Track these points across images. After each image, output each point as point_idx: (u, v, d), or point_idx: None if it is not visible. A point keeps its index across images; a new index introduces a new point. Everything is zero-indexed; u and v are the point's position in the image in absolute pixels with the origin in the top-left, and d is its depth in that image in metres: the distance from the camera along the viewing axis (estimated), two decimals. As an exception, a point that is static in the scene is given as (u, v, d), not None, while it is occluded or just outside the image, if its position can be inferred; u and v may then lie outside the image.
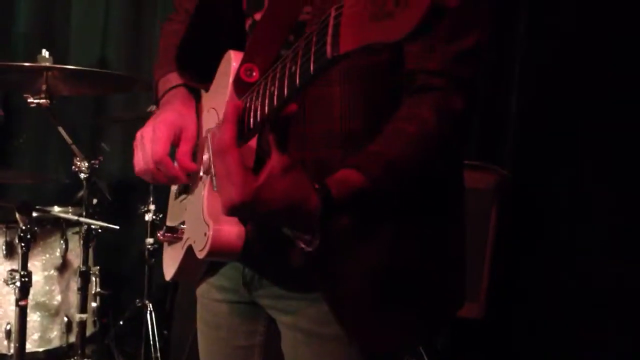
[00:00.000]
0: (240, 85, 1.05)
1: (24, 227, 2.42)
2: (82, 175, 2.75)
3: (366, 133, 1.08)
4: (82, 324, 2.78)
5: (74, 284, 2.89)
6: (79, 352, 2.78)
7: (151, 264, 3.06)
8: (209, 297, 1.39)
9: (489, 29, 1.10)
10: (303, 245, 1.00)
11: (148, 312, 3.02)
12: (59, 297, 2.90)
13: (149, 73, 3.42)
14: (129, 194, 3.55)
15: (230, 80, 1.14)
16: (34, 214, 2.52)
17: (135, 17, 3.75)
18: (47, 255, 2.88)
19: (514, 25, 3.03)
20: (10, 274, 2.46)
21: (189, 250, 1.24)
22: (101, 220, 2.82)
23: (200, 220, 1.17)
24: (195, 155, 1.29)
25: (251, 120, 0.98)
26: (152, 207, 3.04)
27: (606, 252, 2.79)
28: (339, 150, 1.13)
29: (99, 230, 2.86)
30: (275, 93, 0.90)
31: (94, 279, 2.96)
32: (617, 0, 2.79)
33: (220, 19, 1.28)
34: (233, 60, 1.17)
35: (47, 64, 2.64)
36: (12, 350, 2.56)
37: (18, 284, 2.43)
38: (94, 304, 2.97)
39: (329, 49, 0.75)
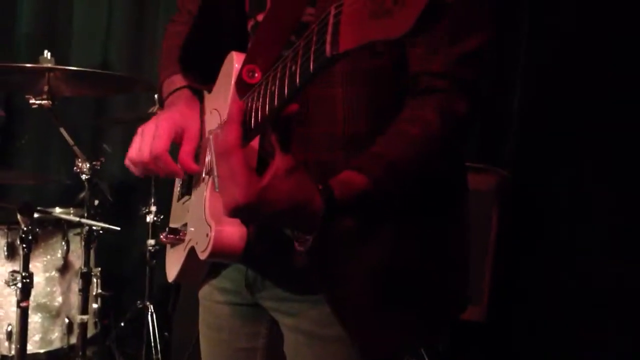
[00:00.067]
0: (242, 87, 1.05)
1: (25, 228, 2.42)
2: (84, 177, 2.75)
3: (369, 135, 1.08)
4: (83, 326, 2.78)
5: (75, 285, 2.90)
6: (80, 353, 2.78)
7: (152, 265, 3.06)
8: (211, 299, 1.39)
9: (492, 31, 1.10)
10: (297, 245, 1.01)
11: (149, 313, 3.02)
12: (60, 299, 2.90)
13: (150, 74, 3.46)
14: (131, 195, 3.55)
15: (233, 81, 1.14)
16: (36, 215, 2.51)
17: (137, 19, 3.75)
18: (49, 257, 2.88)
19: (515, 25, 3.03)
20: (12, 275, 2.46)
21: (191, 252, 1.24)
22: (102, 221, 2.82)
23: (202, 221, 1.17)
24: (198, 156, 1.29)
25: (252, 120, 0.98)
26: (153, 208, 3.04)
27: (606, 252, 2.79)
28: (341, 152, 1.13)
29: (100, 232, 2.86)
30: (276, 93, 0.90)
31: (95, 280, 2.96)
32: (617, 0, 2.79)
33: (223, 20, 1.29)
34: (235, 61, 1.17)
35: (49, 65, 2.65)
36: (13, 352, 2.56)
37: (19, 285, 2.43)
38: (95, 306, 2.97)
39: (328, 47, 0.75)
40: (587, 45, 2.82)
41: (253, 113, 0.97)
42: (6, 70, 2.77)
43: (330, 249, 1.07)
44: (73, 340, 2.89)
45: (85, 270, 2.78)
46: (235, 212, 0.98)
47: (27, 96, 2.66)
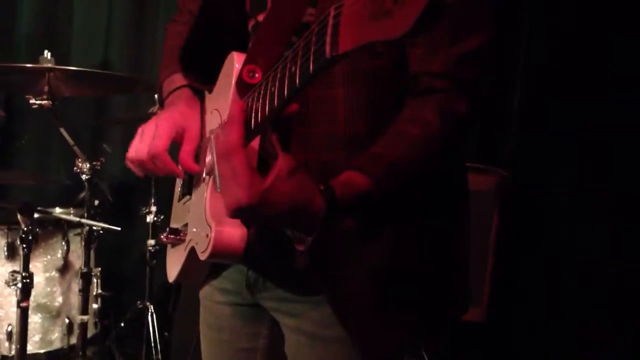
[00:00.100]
0: (243, 87, 1.05)
1: (25, 229, 2.42)
2: (84, 177, 2.75)
3: (370, 136, 1.08)
4: (84, 326, 2.79)
5: (75, 285, 2.90)
6: (80, 353, 2.79)
7: (152, 265, 3.06)
8: (212, 299, 1.39)
9: (492, 31, 1.10)
10: (296, 245, 1.01)
11: (149, 313, 3.02)
12: (60, 299, 2.90)
13: (150, 74, 3.45)
14: (131, 196, 3.55)
15: (233, 81, 1.14)
16: (36, 215, 2.51)
17: (137, 19, 3.75)
18: (49, 257, 2.88)
19: (515, 25, 3.03)
20: (12, 276, 2.46)
21: (192, 252, 1.24)
22: (102, 221, 2.82)
23: (203, 221, 1.17)
24: (198, 156, 1.29)
25: (252, 121, 0.98)
26: (153, 208, 3.04)
27: (606, 252, 2.79)
28: (342, 153, 1.13)
29: (101, 232, 2.86)
30: (276, 93, 0.90)
31: (95, 280, 2.96)
32: (617, 0, 2.79)
33: (224, 20, 1.29)
34: (236, 61, 1.17)
35: (49, 65, 2.65)
36: (13, 352, 2.56)
37: (19, 285, 2.42)
38: (95, 306, 2.97)
39: (328, 48, 0.75)
40: (587, 45, 2.82)
41: (253, 113, 0.98)
42: (6, 71, 2.77)
43: (331, 250, 1.07)
44: (73, 340, 2.89)
45: (85, 270, 2.78)
46: (237, 212, 0.98)
47: (27, 96, 2.66)
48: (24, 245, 2.43)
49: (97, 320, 3.01)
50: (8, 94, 3.66)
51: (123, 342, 3.26)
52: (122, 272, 3.65)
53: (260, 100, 0.95)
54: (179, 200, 1.42)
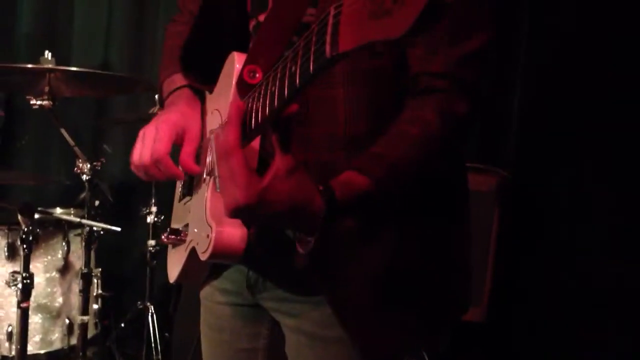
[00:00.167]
0: (243, 87, 1.05)
1: (25, 229, 2.42)
2: (84, 177, 2.75)
3: (370, 136, 1.08)
4: (84, 326, 2.78)
5: (76, 286, 2.90)
6: (81, 354, 2.78)
7: (153, 266, 3.06)
8: (213, 299, 1.39)
9: (492, 31, 1.10)
10: (299, 247, 1.01)
11: (149, 314, 3.02)
12: (60, 299, 2.90)
13: (151, 75, 3.45)
14: (131, 196, 3.55)
15: (234, 82, 1.14)
16: (36, 216, 2.51)
17: (137, 19, 3.75)
18: (49, 257, 2.88)
19: (515, 25, 3.03)
20: (12, 276, 2.46)
21: (192, 253, 1.24)
22: (103, 222, 2.82)
23: (203, 222, 1.17)
24: (199, 156, 1.29)
25: (252, 121, 0.98)
26: (154, 209, 3.05)
27: (606, 252, 2.79)
28: (342, 153, 1.13)
29: (101, 232, 2.86)
30: (276, 93, 0.90)
31: (95, 281, 2.96)
32: (617, 0, 2.80)
33: (225, 20, 1.29)
34: (236, 61, 1.17)
35: (50, 66, 2.65)
36: (13, 352, 2.56)
37: (20, 285, 2.42)
38: (95, 306, 2.97)
39: (328, 48, 0.75)
40: (587, 45, 2.82)
41: (253, 113, 0.98)
42: (7, 71, 2.77)
43: (331, 250, 1.06)
44: (73, 341, 2.89)
45: (85, 270, 2.78)
46: (235, 212, 0.98)
47: (27, 97, 2.66)
48: (25, 246, 2.43)
49: (97, 320, 3.01)
50: (8, 94, 3.65)
51: (123, 343, 3.26)
52: (123, 272, 3.65)
53: (261, 100, 0.95)
54: (180, 200, 1.42)
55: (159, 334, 3.00)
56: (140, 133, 1.27)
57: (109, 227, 2.78)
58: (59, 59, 2.77)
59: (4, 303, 2.76)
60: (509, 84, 3.07)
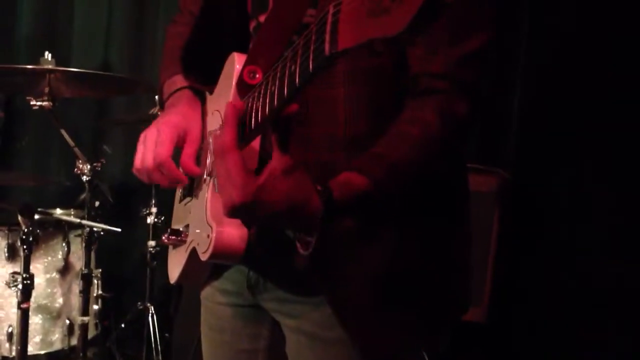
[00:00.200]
0: (244, 88, 1.05)
1: (26, 230, 2.42)
2: (84, 178, 2.75)
3: (370, 136, 1.08)
4: (84, 327, 2.78)
5: (76, 286, 2.90)
6: (81, 355, 2.78)
7: (153, 266, 3.06)
8: (213, 300, 1.39)
9: (492, 31, 1.10)
10: (300, 248, 1.01)
11: (150, 314, 3.02)
12: (60, 300, 2.90)
13: (151, 75, 3.45)
14: (131, 197, 3.55)
15: (234, 82, 1.14)
16: (36, 217, 2.51)
17: (137, 20, 3.75)
18: (49, 258, 2.89)
19: (515, 25, 3.03)
20: (12, 277, 2.46)
21: (193, 253, 1.24)
22: (103, 222, 2.82)
23: (204, 222, 1.17)
24: (199, 158, 1.29)
25: (252, 121, 0.98)
26: (154, 209, 3.05)
27: (606, 252, 2.79)
28: (342, 153, 1.13)
29: (101, 233, 2.86)
30: (276, 93, 0.90)
31: (95, 281, 2.96)
32: (617, 0, 2.80)
33: (225, 20, 1.29)
34: (237, 62, 1.17)
35: (50, 67, 2.65)
36: (14, 353, 2.56)
37: (20, 286, 2.42)
38: (95, 307, 2.97)
39: (327, 46, 0.75)
40: (587, 45, 2.82)
41: (253, 113, 0.98)
42: (7, 72, 2.77)
43: (331, 250, 1.07)
44: (74, 341, 2.89)
45: (85, 271, 2.78)
46: (232, 212, 0.98)
47: (27, 97, 2.66)
48: (25, 247, 2.43)
49: (97, 321, 3.01)
50: (8, 95, 3.66)
51: (123, 344, 3.26)
52: (123, 273, 3.66)
53: (261, 100, 0.95)
54: (181, 201, 1.42)
55: (159, 335, 3.00)
56: (142, 136, 1.27)
57: (109, 227, 2.78)
58: (58, 59, 2.77)
59: (4, 304, 2.76)
60: (509, 84, 3.07)
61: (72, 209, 3.05)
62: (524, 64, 3.06)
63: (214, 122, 1.25)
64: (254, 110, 0.98)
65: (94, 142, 3.72)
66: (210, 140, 1.15)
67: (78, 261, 2.94)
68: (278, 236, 1.16)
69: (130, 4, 3.74)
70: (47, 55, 2.72)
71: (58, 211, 2.99)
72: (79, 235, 2.90)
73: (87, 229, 2.78)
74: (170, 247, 1.42)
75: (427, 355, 1.32)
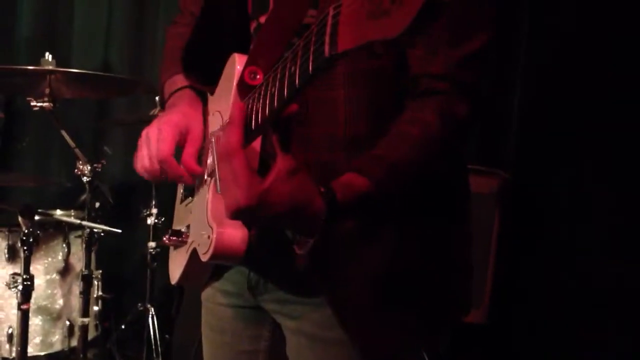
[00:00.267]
0: (244, 88, 1.05)
1: (26, 231, 2.42)
2: (85, 179, 2.75)
3: (370, 137, 1.08)
4: (84, 328, 2.78)
5: (76, 287, 2.90)
6: (81, 356, 2.78)
7: (153, 267, 3.06)
8: (214, 301, 1.39)
9: (492, 31, 1.10)
10: (297, 248, 1.01)
11: (150, 316, 3.01)
12: (61, 301, 2.90)
13: (151, 76, 3.45)
14: (132, 198, 3.55)
15: (234, 83, 1.14)
16: (37, 218, 2.51)
17: (137, 20, 3.75)
18: (50, 259, 2.88)
19: (515, 25, 3.04)
20: (13, 278, 2.46)
21: (194, 254, 1.24)
22: (103, 223, 2.82)
23: (204, 223, 1.17)
24: (200, 158, 1.29)
25: (253, 122, 0.98)
26: (154, 210, 3.04)
27: (606, 252, 2.79)
28: (342, 153, 1.13)
29: (102, 234, 2.86)
30: (276, 94, 0.90)
31: (96, 282, 2.96)
32: (617, 0, 2.80)
33: (226, 21, 1.29)
34: (237, 63, 1.17)
35: (50, 67, 2.65)
36: (14, 354, 2.56)
37: (20, 287, 2.42)
38: (96, 308, 2.97)
39: (327, 48, 0.75)
40: (587, 45, 2.83)
41: (254, 114, 0.98)
42: (7, 73, 2.77)
43: (331, 251, 1.07)
44: (74, 342, 2.89)
45: (86, 272, 2.78)
46: (236, 214, 0.98)
47: (28, 98, 2.66)
48: (25, 248, 2.42)
49: (97, 322, 3.01)
50: (9, 96, 3.65)
51: (124, 345, 3.26)
52: (123, 274, 3.65)
53: (261, 101, 0.96)
54: (182, 202, 1.43)
55: (159, 336, 3.00)
56: (143, 134, 1.27)
57: (109, 228, 2.78)
58: (59, 60, 2.77)
59: (4, 305, 2.76)
60: (509, 84, 3.08)
61: (72, 210, 3.05)
62: (524, 64, 3.06)
63: (214, 122, 1.25)
64: (254, 111, 0.98)
65: (94, 143, 3.71)
66: (213, 140, 1.15)
67: (78, 262, 2.94)
68: (278, 237, 1.16)
69: (130, 4, 3.74)
70: (48, 56, 2.71)
71: (58, 212, 2.99)
72: (79, 236, 2.90)
73: (88, 230, 2.78)
74: (172, 248, 1.42)
75: (427, 355, 1.32)
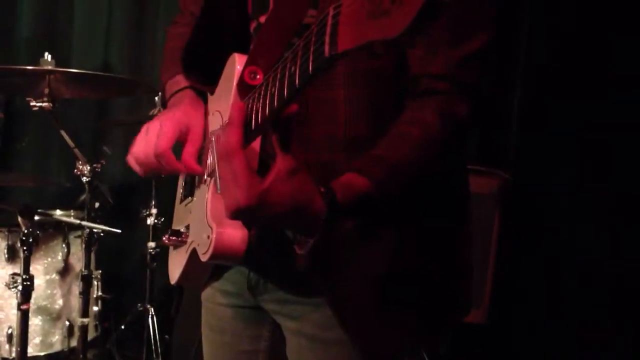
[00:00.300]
0: (244, 88, 1.05)
1: (26, 231, 2.42)
2: (84, 179, 2.75)
3: (370, 137, 1.08)
4: (84, 328, 2.78)
5: (76, 287, 2.90)
6: (81, 356, 2.78)
7: (153, 267, 3.06)
8: (214, 301, 1.39)
9: (492, 31, 1.10)
10: (297, 248, 1.01)
11: (150, 316, 3.01)
12: (60, 301, 2.90)
13: (151, 76, 3.45)
14: (131, 198, 3.55)
15: (234, 83, 1.14)
16: (36, 218, 2.51)
17: (137, 20, 3.75)
18: (49, 259, 2.88)
19: (515, 25, 3.04)
20: (12, 278, 2.46)
21: (193, 254, 1.24)
22: (103, 223, 2.82)
23: (204, 223, 1.17)
24: (200, 157, 1.29)
25: (253, 122, 0.98)
26: (154, 210, 3.04)
27: (606, 252, 2.79)
28: (342, 154, 1.13)
29: (101, 234, 2.86)
30: (276, 94, 0.90)
31: (95, 282, 2.96)
32: (617, 0, 2.80)
33: (226, 21, 1.29)
34: (237, 63, 1.17)
35: (50, 68, 2.65)
36: (14, 354, 2.56)
37: (20, 287, 2.42)
38: (95, 308, 2.97)
39: (327, 48, 0.75)
40: (587, 45, 2.83)
41: (254, 114, 0.98)
42: (7, 73, 2.77)
43: (331, 251, 1.07)
44: (73, 343, 2.89)
45: (85, 272, 2.78)
46: (236, 214, 0.98)
47: (27, 98, 2.67)
48: (25, 248, 2.42)
49: (97, 322, 3.01)
50: (8, 96, 3.65)
51: (123, 345, 3.26)
52: (123, 274, 3.65)
53: (261, 101, 0.96)
54: (181, 202, 1.42)
55: (159, 336, 3.00)
56: (144, 128, 1.27)
57: (109, 229, 2.78)
58: (58, 60, 2.77)
59: (4, 305, 2.76)
60: (509, 84, 3.08)
61: (72, 210, 3.05)
62: (524, 64, 3.06)
63: (214, 122, 1.25)
64: (254, 111, 0.98)
65: (94, 143, 3.71)
66: (213, 140, 1.15)
67: (78, 262, 2.94)
68: (278, 237, 1.16)
69: (130, 4, 3.74)
70: (47, 56, 2.71)
71: (58, 212, 2.99)
72: (79, 237, 2.90)
73: (87, 230, 2.78)
74: (171, 247, 1.42)
75: (427, 355, 1.32)
